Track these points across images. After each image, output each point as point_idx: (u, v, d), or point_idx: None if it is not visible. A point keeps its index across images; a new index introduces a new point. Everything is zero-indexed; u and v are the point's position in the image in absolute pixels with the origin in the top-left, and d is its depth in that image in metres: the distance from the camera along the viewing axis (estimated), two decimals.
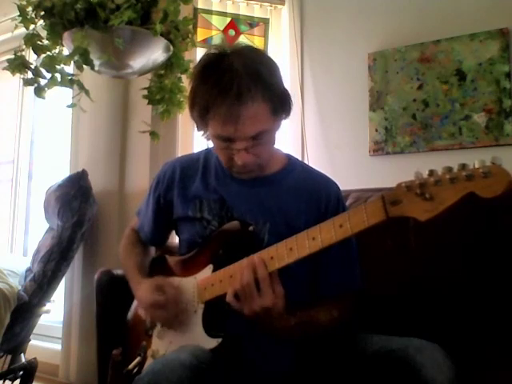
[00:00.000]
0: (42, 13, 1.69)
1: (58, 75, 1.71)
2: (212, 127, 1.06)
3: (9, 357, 2.03)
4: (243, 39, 2.30)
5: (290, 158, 1.26)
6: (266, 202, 1.15)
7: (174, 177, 1.25)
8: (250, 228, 1.11)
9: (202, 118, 1.07)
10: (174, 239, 1.36)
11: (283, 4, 2.41)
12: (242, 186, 1.17)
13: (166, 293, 1.10)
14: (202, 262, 1.13)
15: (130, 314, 1.31)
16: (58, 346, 2.44)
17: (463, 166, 0.78)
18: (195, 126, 1.18)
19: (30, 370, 2.01)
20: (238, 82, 0.99)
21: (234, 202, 1.16)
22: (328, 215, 1.10)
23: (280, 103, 1.07)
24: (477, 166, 0.76)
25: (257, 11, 2.40)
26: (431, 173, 0.81)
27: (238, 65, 1.02)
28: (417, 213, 0.82)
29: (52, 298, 2.10)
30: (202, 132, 1.15)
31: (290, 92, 1.12)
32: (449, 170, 0.79)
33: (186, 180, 1.23)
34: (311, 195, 1.17)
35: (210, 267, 1.11)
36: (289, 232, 1.01)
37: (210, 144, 1.25)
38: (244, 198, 1.16)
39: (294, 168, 1.23)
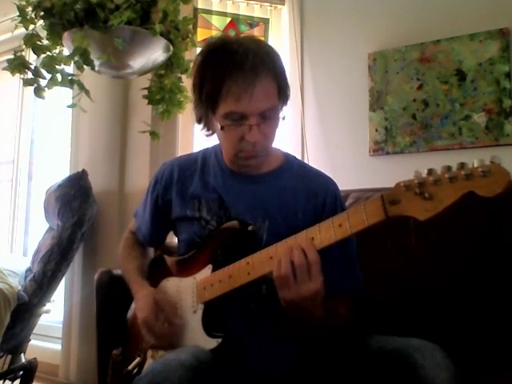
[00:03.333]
0: (42, 13, 1.69)
1: (58, 75, 1.71)
2: (224, 106, 1.06)
3: (9, 357, 2.02)
4: None
5: (287, 155, 1.26)
6: (264, 200, 1.15)
7: (172, 177, 1.24)
8: (250, 228, 1.11)
9: (213, 99, 1.07)
10: (173, 239, 1.36)
11: (283, 4, 2.41)
12: (240, 183, 1.18)
13: (163, 312, 1.10)
14: (202, 262, 1.13)
15: (129, 314, 1.30)
16: (58, 346, 2.44)
17: (462, 165, 0.78)
18: (196, 121, 1.18)
19: (30, 370, 2.01)
20: (252, 56, 1.03)
21: (233, 200, 1.16)
22: (326, 213, 1.10)
23: (284, 84, 1.11)
24: (476, 165, 0.76)
25: (257, 11, 2.40)
26: (430, 172, 0.81)
27: (248, 44, 1.07)
28: (416, 212, 0.82)
29: (52, 298, 2.10)
30: (202, 126, 1.16)
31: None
32: (448, 169, 0.79)
33: (184, 180, 1.23)
34: (309, 193, 1.17)
35: (209, 267, 1.11)
36: (287, 230, 1.01)
37: (210, 143, 1.25)
38: (242, 196, 1.16)
39: (291, 166, 1.23)
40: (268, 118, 1.07)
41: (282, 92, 1.10)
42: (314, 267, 0.93)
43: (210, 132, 1.17)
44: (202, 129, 1.18)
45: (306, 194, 1.16)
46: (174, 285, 1.17)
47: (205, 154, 1.27)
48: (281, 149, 1.28)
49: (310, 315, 0.98)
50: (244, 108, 1.04)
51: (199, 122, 1.17)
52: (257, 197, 1.15)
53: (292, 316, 1.00)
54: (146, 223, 1.31)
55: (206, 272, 1.11)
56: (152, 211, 1.29)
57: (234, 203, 1.16)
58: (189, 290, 1.12)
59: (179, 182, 1.23)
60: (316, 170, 1.26)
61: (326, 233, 0.93)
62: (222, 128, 1.09)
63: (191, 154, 1.34)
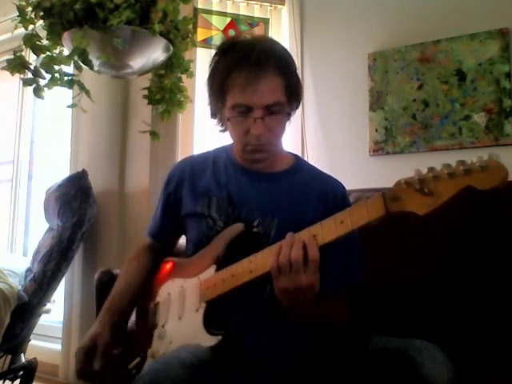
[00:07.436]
0: (41, 13, 1.69)
1: (57, 75, 1.71)
2: (231, 98, 1.10)
3: (9, 357, 2.02)
4: None
5: (297, 158, 1.29)
6: (275, 198, 1.16)
7: (183, 174, 1.27)
8: (255, 229, 1.12)
9: (222, 89, 1.11)
10: (180, 240, 1.37)
11: (283, 4, 2.42)
12: (251, 181, 1.19)
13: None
14: (206, 263, 1.14)
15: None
16: (58, 346, 2.44)
17: (461, 162, 0.79)
18: (210, 115, 1.22)
19: (30, 369, 2.01)
20: (258, 51, 1.08)
21: (243, 197, 1.17)
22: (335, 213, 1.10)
23: (292, 81, 1.13)
24: (474, 161, 0.78)
25: (257, 11, 2.40)
26: (430, 169, 0.82)
27: (257, 42, 1.13)
28: (416, 207, 0.83)
29: (52, 298, 2.10)
30: (217, 121, 1.20)
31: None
32: (447, 166, 0.81)
33: (195, 176, 1.25)
34: (319, 194, 1.18)
35: (213, 267, 1.11)
36: (297, 228, 1.01)
37: (210, 143, 1.26)
38: (253, 193, 1.17)
39: (302, 167, 1.25)
40: (274, 113, 1.09)
41: (289, 89, 1.12)
42: (311, 264, 0.93)
43: (224, 128, 1.20)
44: (217, 124, 1.21)
45: (317, 195, 1.17)
46: (177, 285, 1.18)
47: (216, 152, 1.29)
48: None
49: (302, 308, 0.99)
50: (248, 100, 1.07)
51: (213, 116, 1.21)
52: (267, 194, 1.16)
53: (285, 306, 0.99)
54: (156, 219, 1.33)
55: (210, 272, 1.11)
56: (163, 207, 1.31)
57: (244, 200, 1.16)
58: (192, 290, 1.13)
59: (190, 178, 1.25)
60: (325, 173, 1.28)
61: (328, 229, 0.94)
62: (228, 119, 1.13)
63: (203, 153, 1.36)
